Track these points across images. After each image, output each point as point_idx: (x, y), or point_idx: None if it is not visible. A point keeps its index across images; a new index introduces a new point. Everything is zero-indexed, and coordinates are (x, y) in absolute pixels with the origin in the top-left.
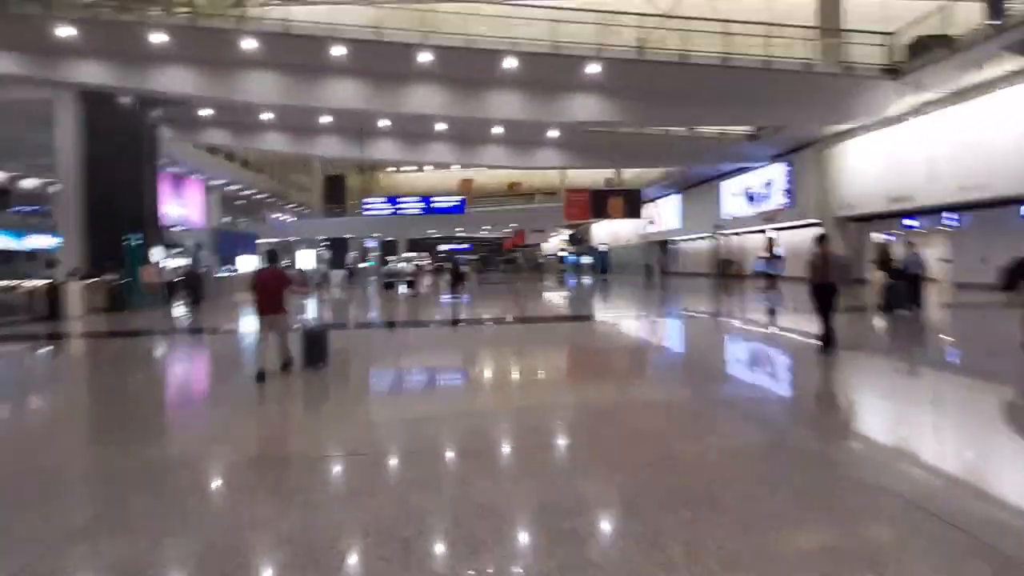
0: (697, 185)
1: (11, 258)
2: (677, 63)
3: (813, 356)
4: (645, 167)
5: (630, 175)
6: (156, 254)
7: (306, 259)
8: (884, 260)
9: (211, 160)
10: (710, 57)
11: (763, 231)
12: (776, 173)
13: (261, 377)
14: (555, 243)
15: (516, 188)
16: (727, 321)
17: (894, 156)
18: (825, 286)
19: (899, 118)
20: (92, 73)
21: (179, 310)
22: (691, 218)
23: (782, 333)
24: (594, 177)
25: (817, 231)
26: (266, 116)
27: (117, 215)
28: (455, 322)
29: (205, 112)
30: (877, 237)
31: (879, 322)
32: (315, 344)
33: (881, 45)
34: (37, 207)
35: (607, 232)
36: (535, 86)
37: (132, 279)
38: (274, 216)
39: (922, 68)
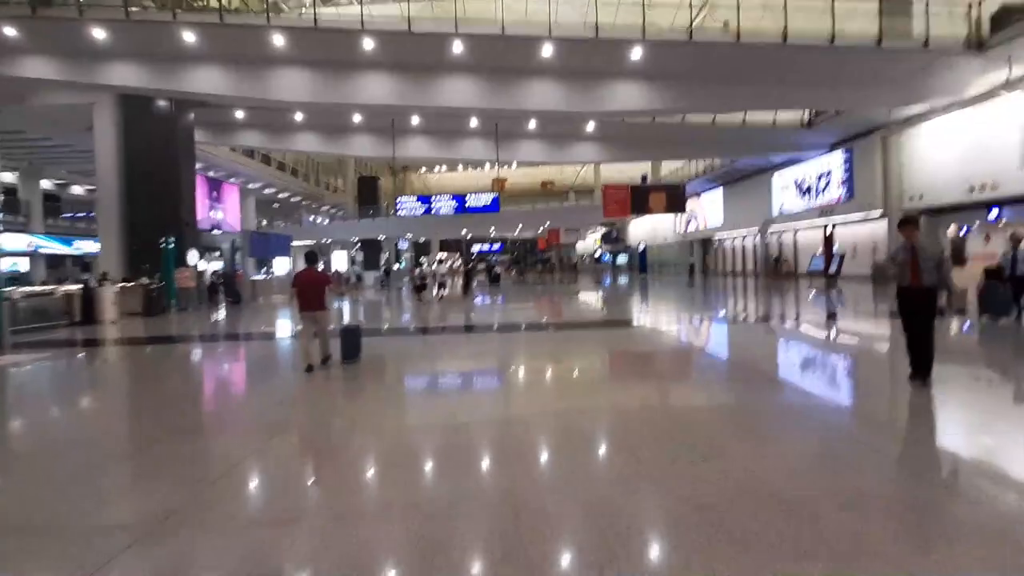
0: (742, 179)
1: (61, 262)
2: (729, 43)
3: (908, 387)
4: (688, 159)
5: (667, 171)
6: (192, 257)
7: (340, 260)
8: (958, 256)
9: (247, 163)
10: (766, 35)
11: (821, 226)
12: (833, 163)
13: (310, 369)
14: (590, 242)
15: (549, 187)
16: (803, 332)
17: (977, 139)
18: (917, 292)
19: (985, 95)
20: (126, 75)
21: (215, 313)
22: (735, 214)
23: (865, 349)
24: (630, 173)
25: (906, 211)
26: (298, 117)
27: (154, 218)
28: (489, 328)
29: (239, 114)
30: (951, 231)
31: (978, 333)
32: (350, 340)
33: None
34: (84, 213)
35: (644, 230)
36: (573, 75)
37: (167, 282)
38: (309, 218)
39: (1011, 40)
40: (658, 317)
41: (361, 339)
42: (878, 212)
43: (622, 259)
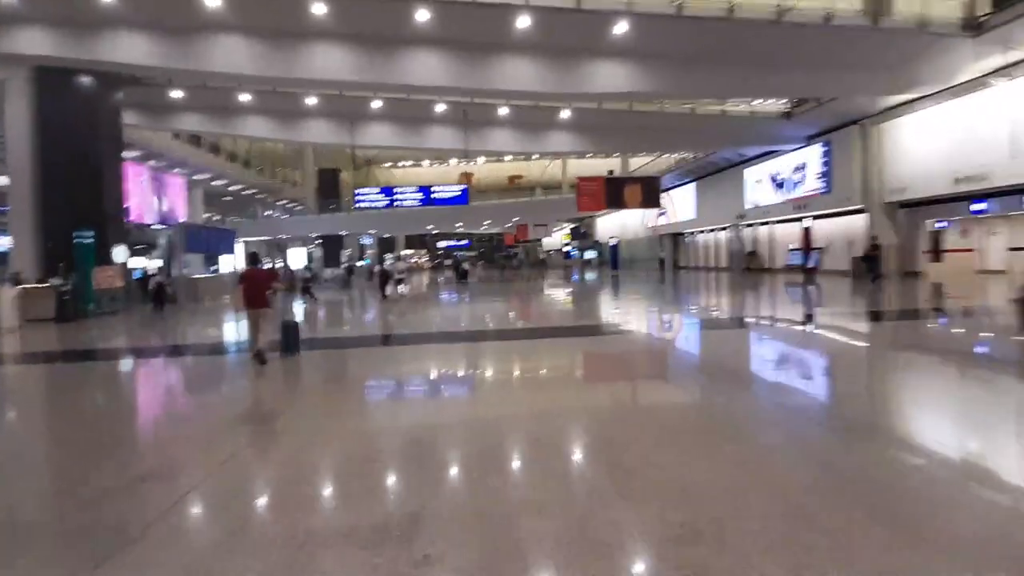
0: (715, 173)
1: None
2: (720, 18)
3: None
4: (665, 151)
5: (636, 167)
6: (119, 254)
7: (297, 258)
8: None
9: (193, 152)
10: (761, 10)
11: (795, 220)
12: (810, 156)
13: (257, 359)
14: (558, 238)
15: (517, 182)
16: (811, 332)
17: (965, 129)
18: None
19: (974, 84)
20: (38, 43)
21: (145, 318)
22: (708, 208)
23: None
24: (598, 170)
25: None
26: (245, 97)
27: (74, 211)
28: (460, 335)
29: (176, 94)
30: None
31: None
32: (289, 335)
33: None
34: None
35: (612, 225)
36: (552, 52)
37: (84, 283)
38: (266, 213)
39: (1011, 22)
40: (647, 321)
41: (299, 335)
42: (857, 205)
43: (590, 254)
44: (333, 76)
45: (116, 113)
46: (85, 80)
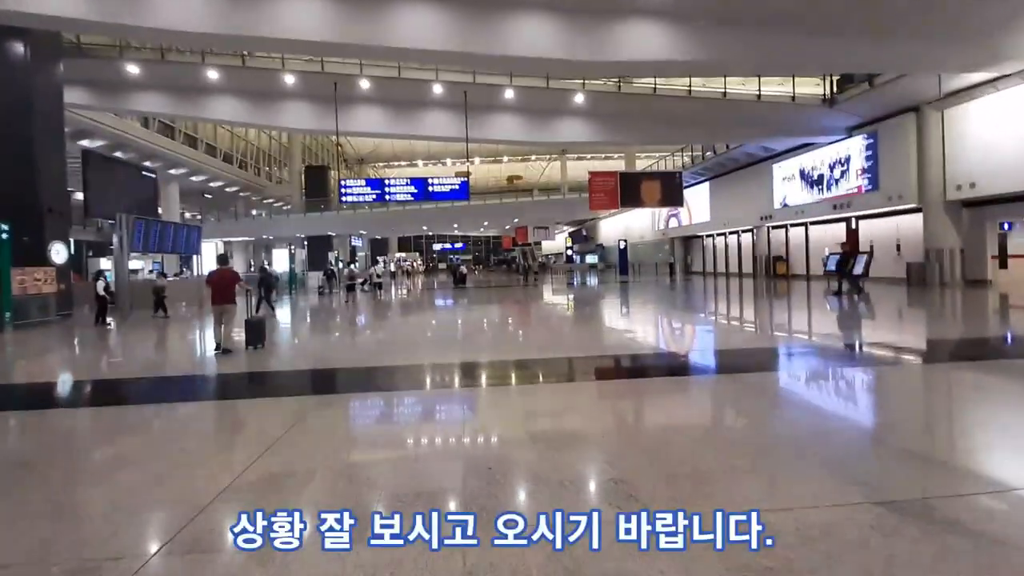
0: (733, 171)
1: None
2: None
3: None
4: (689, 142)
5: (642, 167)
6: (57, 254)
7: (281, 259)
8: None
9: (166, 143)
10: None
11: (833, 221)
12: (852, 149)
13: (221, 350)
14: (557, 242)
15: (517, 182)
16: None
17: None
18: None
19: None
20: None
21: (78, 331)
22: (724, 209)
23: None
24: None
25: None
26: (212, 74)
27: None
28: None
29: (131, 68)
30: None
31: None
32: (254, 330)
33: None
34: None
35: (617, 228)
36: (574, 8)
37: (3, 288)
38: (253, 212)
39: None
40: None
41: (265, 328)
42: (911, 204)
43: (591, 258)
44: (308, 35)
45: (56, 89)
46: (14, 46)
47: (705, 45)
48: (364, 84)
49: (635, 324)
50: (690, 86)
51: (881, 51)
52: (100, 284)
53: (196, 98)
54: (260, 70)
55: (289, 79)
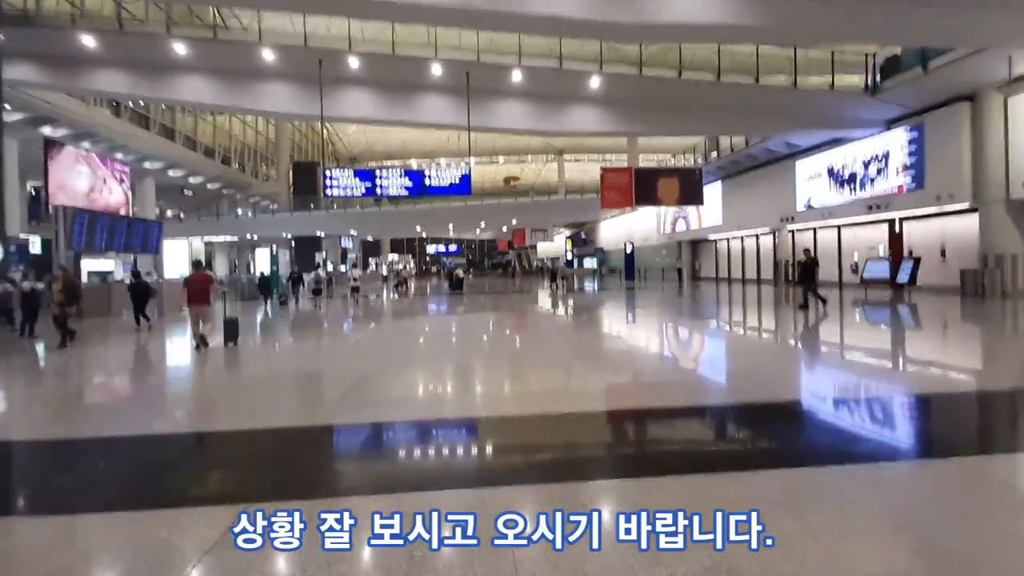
0: (749, 170)
1: None
2: None
3: None
4: (711, 134)
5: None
6: None
7: (263, 261)
8: None
9: (137, 133)
10: None
11: (869, 222)
12: (892, 143)
13: (201, 345)
14: (554, 245)
15: (514, 184)
16: None
17: None
18: None
19: None
20: None
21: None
22: (739, 211)
23: None
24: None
25: None
26: (179, 48)
27: None
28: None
29: (87, 41)
30: None
31: None
32: (231, 328)
33: None
34: None
35: (619, 231)
36: None
37: None
38: (239, 211)
39: None
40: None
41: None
42: (963, 204)
43: (589, 263)
44: None
45: None
46: None
47: (752, 9)
48: (353, 62)
49: (697, 352)
50: (719, 70)
51: (968, 22)
52: (27, 284)
53: (163, 77)
54: (234, 43)
55: (268, 55)
